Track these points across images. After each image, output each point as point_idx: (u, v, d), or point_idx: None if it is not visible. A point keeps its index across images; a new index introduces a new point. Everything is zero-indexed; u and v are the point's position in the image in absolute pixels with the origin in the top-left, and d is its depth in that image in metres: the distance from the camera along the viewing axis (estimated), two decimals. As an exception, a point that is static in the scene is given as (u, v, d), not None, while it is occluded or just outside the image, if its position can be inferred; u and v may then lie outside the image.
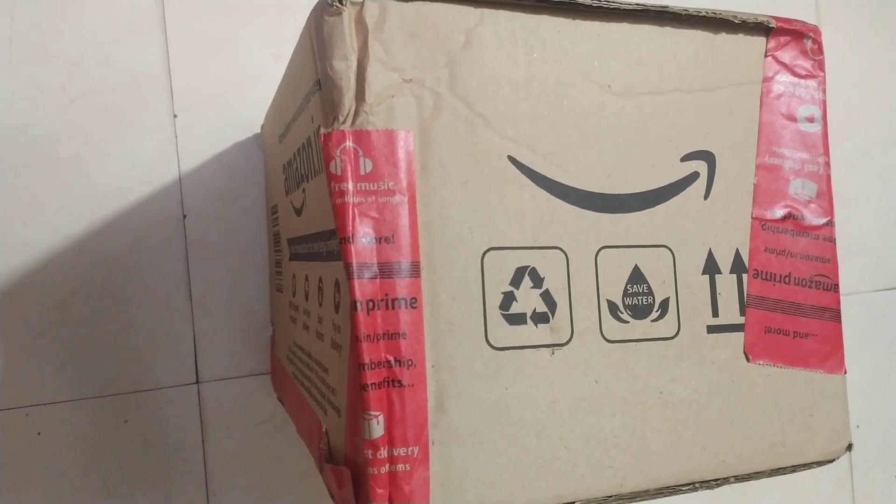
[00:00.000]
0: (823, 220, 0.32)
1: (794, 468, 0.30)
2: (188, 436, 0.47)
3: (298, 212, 0.36)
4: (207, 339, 0.48)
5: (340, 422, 0.27)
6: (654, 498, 0.28)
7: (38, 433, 0.44)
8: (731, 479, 0.29)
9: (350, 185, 0.25)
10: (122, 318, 0.46)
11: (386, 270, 0.25)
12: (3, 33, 0.44)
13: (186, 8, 0.48)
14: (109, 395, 0.45)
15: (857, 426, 0.65)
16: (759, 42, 0.31)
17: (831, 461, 0.31)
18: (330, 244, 0.28)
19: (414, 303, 0.25)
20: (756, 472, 0.30)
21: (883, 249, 0.67)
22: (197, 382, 0.47)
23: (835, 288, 0.32)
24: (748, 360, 0.30)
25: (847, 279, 0.64)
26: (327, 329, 0.29)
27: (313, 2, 0.26)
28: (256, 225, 0.49)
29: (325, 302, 0.30)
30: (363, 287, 0.24)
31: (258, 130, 0.50)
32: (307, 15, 0.27)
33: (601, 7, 0.28)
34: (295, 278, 0.38)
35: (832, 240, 0.32)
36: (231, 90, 0.49)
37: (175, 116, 0.47)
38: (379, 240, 0.25)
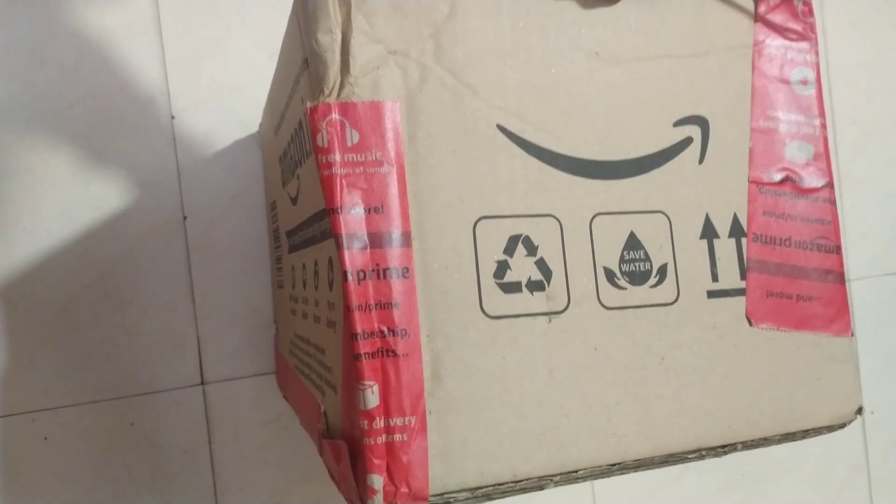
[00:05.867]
0: (822, 182, 0.31)
1: (804, 433, 0.30)
2: (195, 437, 0.47)
3: (294, 200, 0.36)
4: (211, 340, 0.47)
5: (337, 398, 0.27)
6: (660, 466, 0.28)
7: (45, 438, 0.44)
8: (739, 446, 0.29)
9: (337, 157, 0.25)
10: (126, 321, 0.46)
11: (376, 240, 0.25)
12: (1, 40, 0.45)
13: (181, 9, 0.48)
14: (115, 398, 0.45)
15: (872, 412, 0.64)
16: (748, 5, 0.31)
17: (843, 426, 0.30)
18: (323, 224, 0.28)
19: (406, 273, 0.25)
20: (764, 438, 0.29)
21: (892, 233, 0.66)
22: (202, 384, 0.47)
23: (837, 250, 0.31)
24: (751, 324, 0.29)
25: (856, 264, 0.63)
26: (323, 310, 0.29)
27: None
28: (257, 224, 0.49)
29: (321, 283, 0.29)
30: (353, 257, 0.24)
31: (256, 129, 0.50)
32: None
33: (585, -26, 0.28)
34: (294, 270, 0.38)
35: (832, 202, 0.31)
36: (228, 90, 0.49)
37: (173, 118, 0.47)
38: (368, 210, 0.25)
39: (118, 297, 0.46)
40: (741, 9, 0.31)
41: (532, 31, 0.28)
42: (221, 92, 0.49)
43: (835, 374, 0.30)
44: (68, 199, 0.45)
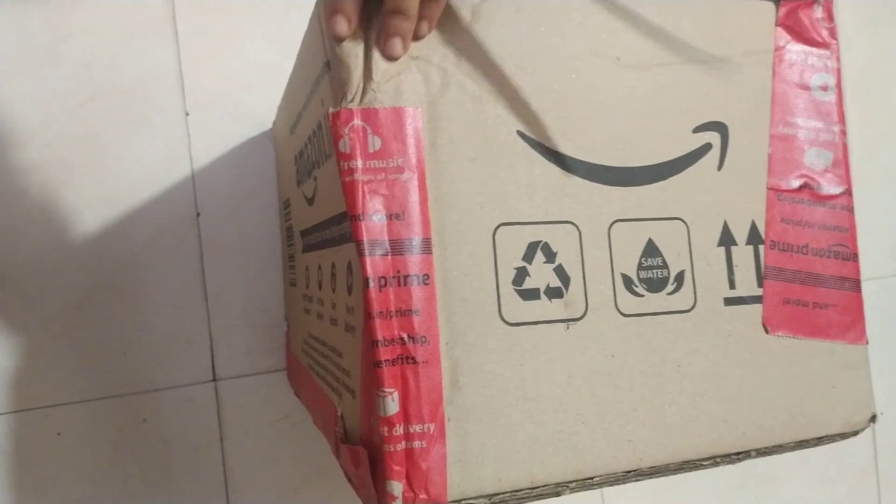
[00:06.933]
0: (840, 189, 0.31)
1: (817, 440, 0.30)
2: (206, 433, 0.47)
3: (310, 201, 0.36)
4: (224, 336, 0.48)
5: (355, 403, 0.27)
6: (675, 473, 0.28)
7: (59, 433, 0.44)
8: (753, 453, 0.29)
9: (359, 163, 0.25)
10: (139, 317, 0.46)
11: (397, 247, 0.25)
12: (15, 37, 0.45)
13: (197, 8, 0.48)
14: (128, 394, 0.46)
15: (882, 412, 0.64)
16: (768, 9, 0.31)
17: (856, 433, 0.30)
18: (342, 227, 0.28)
19: (426, 279, 0.25)
20: (778, 445, 0.29)
21: (905, 233, 0.66)
22: (214, 380, 0.47)
23: (854, 257, 0.31)
24: (767, 331, 0.30)
25: (864, 264, 0.63)
26: (341, 313, 0.29)
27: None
28: (270, 221, 0.49)
29: (338, 286, 0.30)
30: (375, 264, 0.24)
31: (269, 127, 0.50)
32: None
33: (606, -21, 0.28)
34: (308, 270, 0.38)
35: (850, 209, 0.31)
36: (242, 88, 0.49)
37: (187, 115, 0.47)
38: (390, 217, 0.25)
39: (131, 294, 0.46)
40: (762, 13, 0.31)
41: (553, 36, 0.28)
42: (235, 90, 0.48)
43: (849, 381, 0.30)
44: (82, 196, 0.45)
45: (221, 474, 0.47)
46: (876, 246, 0.64)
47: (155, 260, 0.47)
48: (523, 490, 0.26)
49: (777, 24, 0.31)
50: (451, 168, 0.26)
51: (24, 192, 0.44)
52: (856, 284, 0.31)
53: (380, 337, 0.24)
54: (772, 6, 0.31)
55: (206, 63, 0.48)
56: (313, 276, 0.37)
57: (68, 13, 0.45)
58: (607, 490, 0.56)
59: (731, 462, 0.28)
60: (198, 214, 0.47)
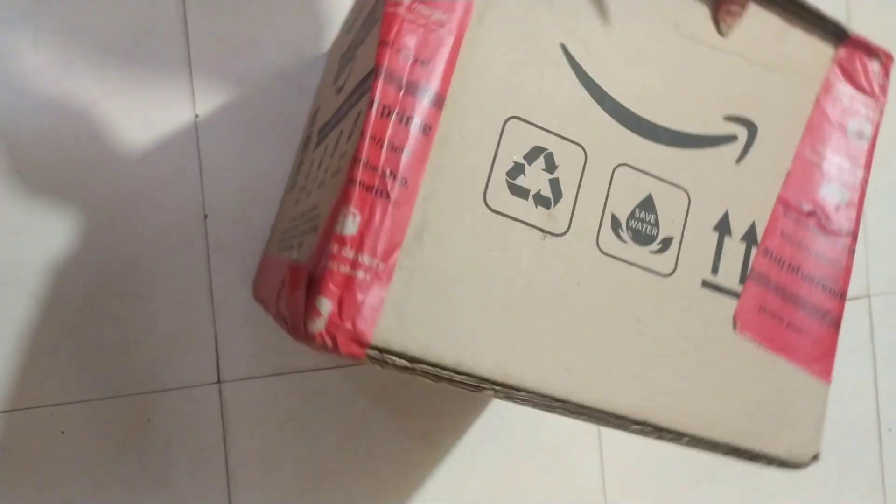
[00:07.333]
0: (847, 229, 0.31)
1: (754, 455, 0.28)
2: (210, 435, 0.46)
3: (341, 88, 0.36)
4: (229, 338, 0.47)
5: (315, 237, 0.26)
6: (601, 422, 0.27)
7: (62, 432, 0.44)
8: (686, 439, 0.27)
9: (406, 2, 0.25)
10: (144, 318, 0.45)
11: (412, 88, 0.25)
12: (28, 36, 0.45)
13: (208, 8, 0.48)
14: (132, 394, 0.45)
15: (889, 430, 0.61)
16: (829, 47, 0.32)
17: (796, 466, 0.29)
18: (364, 87, 0.28)
19: (427, 130, 0.25)
20: (714, 442, 0.28)
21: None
22: (219, 382, 0.46)
23: (841, 297, 0.31)
24: (735, 327, 0.29)
25: (877, 279, 0.61)
26: (332, 164, 0.29)
27: (334, 0, 0.27)
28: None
29: (340, 143, 0.30)
30: (385, 92, 0.24)
31: (278, 129, 0.49)
32: (327, 13, 0.27)
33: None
34: (312, 163, 0.38)
35: (851, 251, 0.31)
36: (253, 90, 0.48)
37: (196, 117, 0.47)
38: (416, 60, 0.25)
39: (138, 293, 0.45)
40: (822, 47, 0.32)
41: (622, -20, 0.28)
42: (247, 92, 0.48)
43: (802, 411, 0.29)
44: (91, 195, 0.45)
45: (224, 476, 0.46)
46: (889, 260, 0.62)
47: (162, 260, 0.46)
48: (447, 369, 0.25)
49: (834, 62, 0.32)
50: (489, 47, 0.26)
51: (32, 191, 0.44)
52: (835, 322, 0.30)
53: (364, 157, 0.24)
54: (833, 45, 0.32)
55: (216, 64, 0.48)
56: (316, 163, 0.37)
57: (81, 13, 0.45)
58: (611, 497, 0.53)
59: (662, 438, 0.27)
60: (205, 216, 0.47)
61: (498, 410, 0.51)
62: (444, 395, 0.49)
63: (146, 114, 0.46)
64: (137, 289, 0.45)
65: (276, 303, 0.29)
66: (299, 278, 0.24)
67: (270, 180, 0.49)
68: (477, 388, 0.25)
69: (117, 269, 0.45)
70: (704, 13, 0.30)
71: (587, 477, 0.52)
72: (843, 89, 0.32)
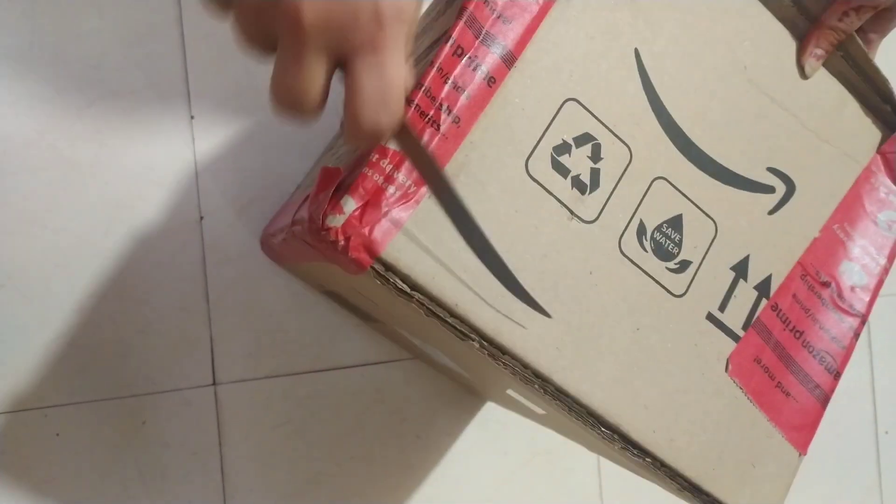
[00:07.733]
0: (858, 311, 0.31)
1: (710, 498, 0.28)
2: (205, 438, 0.46)
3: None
4: (224, 341, 0.47)
5: (354, 154, 0.27)
6: (572, 414, 0.26)
7: (57, 434, 0.44)
8: (649, 460, 0.27)
9: (504, -38, 0.26)
10: (140, 319, 0.45)
11: (489, 40, 0.26)
12: (25, 37, 0.45)
13: (204, 12, 0.46)
14: (127, 396, 0.45)
15: (886, 432, 0.60)
16: (877, 133, 0.33)
17: (749, 523, 0.28)
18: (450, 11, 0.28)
19: (492, 81, 0.26)
20: (676, 473, 0.27)
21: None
22: (214, 384, 0.46)
23: (837, 376, 0.30)
24: (727, 368, 0.29)
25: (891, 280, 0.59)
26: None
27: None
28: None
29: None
30: (463, 34, 0.25)
31: (274, 131, 0.48)
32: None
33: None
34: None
35: (856, 334, 0.31)
36: (248, 92, 0.48)
37: (192, 118, 0.47)
38: (500, 16, 0.26)
39: (133, 296, 0.45)
40: (873, 130, 0.33)
41: (711, 10, 0.30)
42: (242, 94, 0.48)
43: (770, 473, 0.29)
44: (86, 197, 0.45)
45: (219, 478, 0.46)
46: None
47: (157, 262, 0.46)
48: (443, 306, 0.25)
49: (878, 150, 0.33)
50: (570, 28, 0.27)
51: (27, 192, 0.44)
52: (824, 399, 0.30)
53: (428, 84, 0.25)
54: (881, 132, 0.33)
55: (212, 66, 0.48)
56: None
57: (78, 14, 0.46)
58: (604, 494, 0.51)
59: (627, 450, 0.27)
60: (201, 218, 0.47)
61: (494, 413, 0.50)
62: (440, 398, 0.49)
63: (141, 114, 0.46)
64: (133, 291, 0.45)
65: (295, 215, 0.29)
66: (332, 178, 0.25)
67: (266, 182, 0.48)
68: (464, 337, 0.25)
69: (112, 271, 0.45)
70: (775, 61, 0.31)
71: (584, 480, 0.51)
72: (882, 181, 0.33)
